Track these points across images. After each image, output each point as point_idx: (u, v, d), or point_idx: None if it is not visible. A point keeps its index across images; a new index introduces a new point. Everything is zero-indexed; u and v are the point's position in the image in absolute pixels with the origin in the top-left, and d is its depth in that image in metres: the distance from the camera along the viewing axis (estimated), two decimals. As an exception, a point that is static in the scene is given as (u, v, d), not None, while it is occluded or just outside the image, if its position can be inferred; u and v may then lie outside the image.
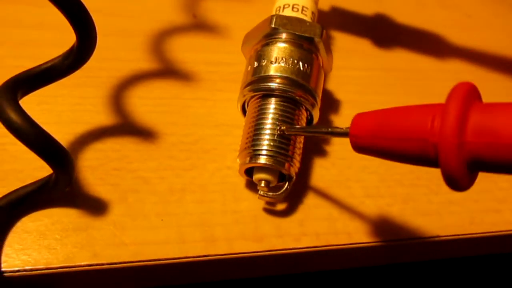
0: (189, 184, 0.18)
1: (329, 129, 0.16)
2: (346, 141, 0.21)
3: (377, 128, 0.13)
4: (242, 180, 0.19)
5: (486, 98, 0.25)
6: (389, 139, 0.13)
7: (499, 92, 0.26)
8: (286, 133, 0.17)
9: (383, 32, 0.27)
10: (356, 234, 0.18)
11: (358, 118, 0.14)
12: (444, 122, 0.12)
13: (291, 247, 0.17)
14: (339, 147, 0.21)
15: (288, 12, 0.20)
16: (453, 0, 0.30)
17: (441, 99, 0.24)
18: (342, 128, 0.15)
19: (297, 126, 0.18)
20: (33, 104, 0.16)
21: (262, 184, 0.17)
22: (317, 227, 0.18)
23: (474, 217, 0.20)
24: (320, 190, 0.19)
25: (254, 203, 0.18)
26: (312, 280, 0.28)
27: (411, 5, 0.29)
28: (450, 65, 0.27)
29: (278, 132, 0.17)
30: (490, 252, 0.22)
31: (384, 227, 0.19)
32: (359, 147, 0.14)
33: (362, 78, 0.24)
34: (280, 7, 0.20)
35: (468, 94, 0.12)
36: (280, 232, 0.18)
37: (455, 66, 0.27)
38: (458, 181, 0.12)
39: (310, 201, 0.19)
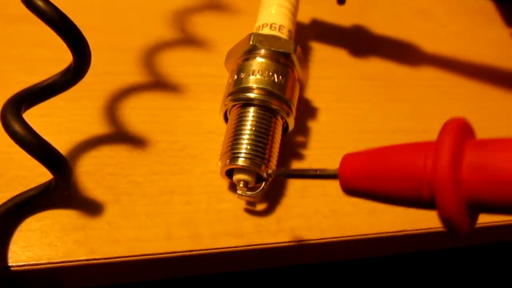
0: (177, 187, 0.20)
1: (317, 172, 0.15)
2: (323, 145, 0.23)
3: (368, 168, 0.13)
4: (225, 183, 0.20)
5: (458, 102, 0.27)
6: (381, 179, 0.12)
7: (470, 97, 0.28)
8: (274, 176, 0.18)
9: (360, 42, 0.28)
10: (328, 230, 0.20)
11: (347, 159, 0.14)
12: (438, 159, 0.11)
13: (268, 242, 0.19)
14: (315, 151, 0.23)
15: (266, 31, 0.22)
16: (428, 11, 0.32)
17: (416, 105, 0.26)
18: (331, 170, 0.14)
19: (283, 169, 0.18)
20: (36, 116, 0.17)
21: (241, 185, 0.19)
22: (293, 224, 0.20)
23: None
24: (297, 190, 0.21)
25: (236, 203, 0.20)
26: (293, 274, 0.29)
27: (388, 16, 0.30)
28: (425, 73, 0.28)
29: (267, 175, 0.18)
30: (457, 246, 0.24)
31: (355, 223, 0.21)
32: (349, 189, 0.14)
33: (340, 87, 0.26)
34: (259, 26, 0.22)
35: (461, 130, 0.12)
36: (259, 229, 0.20)
37: (430, 74, 0.28)
38: (456, 222, 0.11)
39: (287, 201, 0.21)
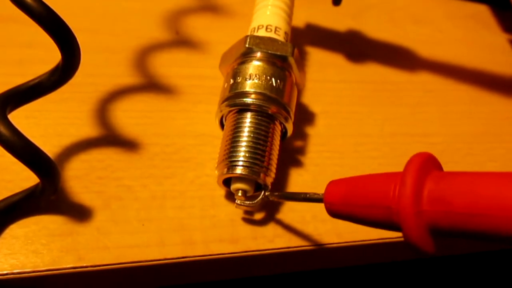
0: (169, 191, 0.19)
1: (307, 195, 0.17)
2: (321, 149, 0.23)
3: (347, 195, 0.14)
4: (219, 187, 0.20)
5: (455, 107, 0.27)
6: (358, 206, 0.14)
7: (467, 102, 0.27)
8: (270, 199, 0.18)
9: (357, 46, 0.28)
10: (326, 236, 0.19)
11: (331, 186, 0.15)
12: (401, 192, 0.12)
13: (265, 248, 0.19)
14: (314, 155, 0.22)
15: (262, 33, 0.21)
16: (425, 16, 0.32)
17: (413, 109, 0.26)
18: (318, 194, 0.16)
19: (276, 193, 0.18)
20: (21, 118, 0.17)
21: (239, 194, 0.18)
22: (290, 229, 0.19)
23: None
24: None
25: (232, 208, 0.19)
26: (291, 281, 0.29)
27: (384, 20, 0.30)
28: (420, 77, 0.28)
29: (264, 196, 0.18)
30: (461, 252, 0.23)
31: (353, 229, 0.20)
32: (333, 213, 0.15)
33: (337, 90, 0.26)
34: (255, 28, 0.22)
35: (424, 164, 0.13)
36: (255, 235, 0.19)
37: (427, 79, 0.28)
38: (419, 246, 0.13)
39: (285, 206, 0.20)
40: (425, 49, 0.29)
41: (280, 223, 0.20)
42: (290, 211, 0.20)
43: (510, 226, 0.11)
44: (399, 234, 0.20)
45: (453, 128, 0.26)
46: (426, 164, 0.13)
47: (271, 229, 0.19)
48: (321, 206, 0.20)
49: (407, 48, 0.29)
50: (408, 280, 0.33)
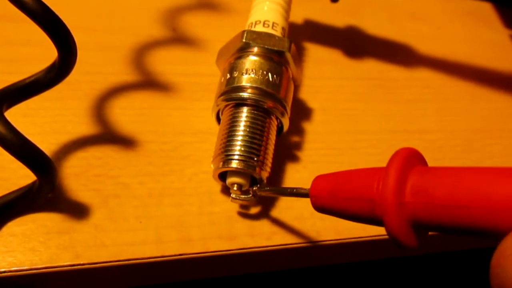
0: (167, 189, 0.19)
1: (294, 190, 0.17)
2: (318, 146, 0.23)
3: (333, 189, 0.14)
4: (217, 184, 0.20)
5: (453, 103, 0.27)
6: (343, 199, 0.14)
7: (466, 98, 0.27)
8: (258, 193, 0.18)
9: (355, 42, 0.28)
10: (324, 232, 0.19)
11: (317, 180, 0.15)
12: (384, 184, 0.13)
13: (262, 245, 0.19)
14: (311, 152, 0.22)
15: (259, 28, 0.21)
16: (423, 12, 0.32)
17: (411, 105, 0.26)
18: (304, 189, 0.16)
19: (267, 188, 0.18)
20: (18, 116, 0.17)
21: (235, 188, 0.18)
22: (288, 226, 0.19)
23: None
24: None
25: (229, 205, 0.19)
26: (288, 278, 0.29)
27: (383, 17, 0.30)
28: (419, 73, 0.28)
29: (252, 192, 0.18)
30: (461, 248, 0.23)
31: (351, 225, 0.20)
32: (318, 207, 0.15)
33: (335, 87, 0.26)
34: (252, 23, 0.22)
35: (408, 158, 0.13)
36: (253, 232, 0.19)
37: (425, 75, 0.28)
38: (401, 239, 0.13)
39: (282, 203, 0.20)
40: (423, 46, 0.29)
41: (278, 220, 0.20)
42: (288, 208, 0.20)
43: (490, 218, 0.11)
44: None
45: (451, 124, 0.26)
46: (411, 159, 0.13)
47: (269, 226, 0.19)
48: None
49: (405, 45, 0.29)
50: (406, 276, 0.33)
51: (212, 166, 0.19)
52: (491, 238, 0.11)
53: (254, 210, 0.20)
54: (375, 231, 0.20)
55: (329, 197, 0.15)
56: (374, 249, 0.21)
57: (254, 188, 0.18)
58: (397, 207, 0.12)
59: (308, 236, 0.19)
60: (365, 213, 0.13)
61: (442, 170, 0.12)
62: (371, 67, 0.27)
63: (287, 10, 0.23)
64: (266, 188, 0.18)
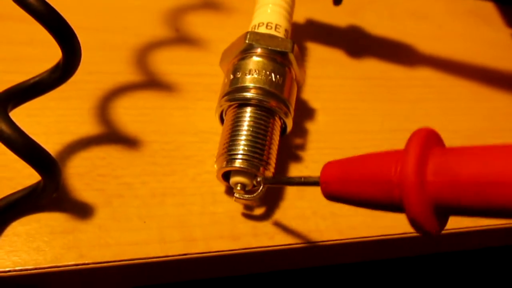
0: (170, 188, 0.19)
1: (302, 179, 0.16)
2: (321, 145, 0.23)
3: (345, 173, 0.14)
4: (220, 184, 0.20)
5: (455, 102, 0.27)
6: (356, 184, 0.13)
7: (468, 98, 0.27)
8: (263, 184, 0.18)
9: (357, 42, 0.28)
10: (327, 232, 0.20)
11: (328, 166, 0.15)
12: (404, 162, 0.12)
13: (265, 245, 0.19)
14: (313, 151, 0.22)
15: (262, 30, 0.21)
16: (425, 11, 0.32)
17: (413, 105, 0.26)
18: (313, 177, 0.15)
19: (272, 177, 0.18)
20: (23, 116, 0.17)
21: (238, 187, 0.18)
22: (290, 226, 0.19)
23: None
24: (294, 191, 0.21)
25: (232, 205, 0.19)
26: (291, 278, 0.29)
27: (385, 16, 0.30)
28: (421, 73, 0.28)
29: (257, 182, 0.18)
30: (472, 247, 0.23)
31: (354, 225, 0.20)
32: (329, 194, 0.14)
33: (337, 87, 0.26)
34: (255, 25, 0.22)
35: (428, 137, 0.12)
36: (255, 231, 0.19)
37: (427, 74, 0.28)
38: (422, 223, 0.12)
39: (285, 202, 0.20)
40: (425, 45, 0.29)
41: (281, 220, 0.20)
42: (290, 208, 0.20)
43: None
44: (401, 230, 0.20)
45: (453, 124, 0.26)
46: (431, 138, 0.12)
47: (272, 226, 0.19)
48: (321, 203, 0.20)
49: (407, 44, 0.29)
50: (409, 277, 0.33)
51: (215, 166, 0.19)
52: None
53: (257, 209, 0.20)
54: (379, 231, 0.20)
55: (341, 182, 0.14)
56: (377, 249, 0.21)
57: (259, 179, 0.18)
58: (418, 187, 0.11)
59: (311, 236, 0.19)
60: (382, 197, 0.12)
61: (466, 148, 0.12)
62: (373, 67, 0.27)
63: (290, 13, 0.23)
64: (271, 178, 0.17)
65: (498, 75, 0.29)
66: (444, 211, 0.12)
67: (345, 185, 0.14)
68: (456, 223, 0.21)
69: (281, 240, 0.19)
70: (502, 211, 0.11)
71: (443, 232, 0.21)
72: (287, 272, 0.22)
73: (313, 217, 0.20)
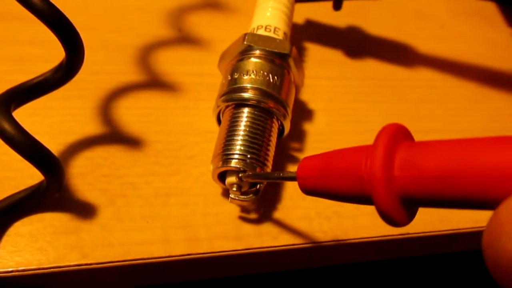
0: (173, 188, 0.19)
1: (281, 174, 0.16)
2: (321, 146, 0.23)
3: (320, 169, 0.14)
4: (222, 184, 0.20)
5: (457, 103, 0.27)
6: (331, 179, 0.14)
7: (470, 98, 0.27)
8: (244, 179, 0.18)
9: (358, 42, 0.28)
10: (330, 232, 0.19)
11: (304, 161, 0.15)
12: (372, 159, 0.12)
13: (269, 245, 0.19)
14: (315, 151, 0.22)
15: (261, 32, 0.21)
16: (427, 11, 0.32)
17: (415, 105, 0.26)
18: (291, 172, 0.16)
19: (251, 174, 0.18)
20: (26, 115, 0.17)
21: (234, 188, 0.18)
22: (294, 226, 0.19)
23: (443, 216, 0.21)
24: (297, 191, 0.20)
25: (235, 205, 0.19)
26: (295, 278, 0.29)
27: (386, 16, 0.30)
28: (424, 73, 0.28)
29: (238, 178, 0.18)
30: (459, 249, 0.23)
31: (358, 225, 0.20)
32: (306, 189, 0.15)
33: (338, 87, 0.25)
34: (254, 28, 0.22)
35: (395, 133, 0.13)
36: (259, 232, 0.19)
37: (429, 75, 0.28)
38: (390, 215, 0.12)
39: (288, 203, 0.20)
40: (427, 45, 0.29)
41: (284, 220, 0.20)
42: (294, 208, 0.20)
43: (484, 187, 0.11)
44: (403, 231, 0.20)
45: (455, 124, 0.26)
46: (398, 134, 0.13)
47: (275, 226, 0.19)
48: (325, 203, 0.20)
49: (409, 44, 0.29)
50: (413, 277, 0.33)
51: (211, 166, 0.19)
52: (483, 208, 0.11)
53: (260, 209, 0.20)
54: (383, 231, 0.20)
55: (317, 178, 0.14)
56: (381, 249, 0.21)
57: (240, 175, 0.18)
58: (385, 182, 0.12)
59: (314, 236, 0.19)
60: (354, 191, 0.13)
61: (431, 143, 0.12)
62: (374, 67, 0.27)
63: (290, 16, 0.23)
64: (251, 174, 0.18)
65: (500, 75, 0.29)
66: (412, 203, 0.12)
67: (321, 180, 0.14)
68: (456, 224, 0.21)
69: (284, 240, 0.19)
70: (466, 202, 0.11)
71: (445, 232, 0.21)
72: (290, 272, 0.22)
73: (317, 217, 0.20)
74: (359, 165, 0.13)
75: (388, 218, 0.12)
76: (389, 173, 0.12)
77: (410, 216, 0.13)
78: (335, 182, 0.14)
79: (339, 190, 0.14)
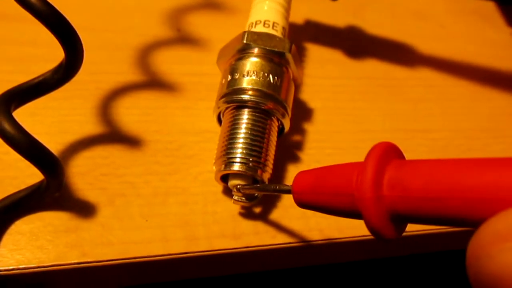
0: (172, 188, 0.20)
1: (277, 187, 0.17)
2: (322, 145, 0.23)
3: (314, 184, 0.15)
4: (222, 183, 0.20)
5: (456, 102, 0.27)
6: (324, 194, 0.14)
7: (469, 97, 0.27)
8: (242, 191, 0.18)
9: (358, 41, 0.28)
10: (327, 231, 0.20)
11: (299, 176, 0.16)
12: (361, 178, 0.13)
13: (267, 243, 0.19)
14: (315, 151, 0.22)
15: (259, 28, 0.21)
16: (427, 11, 0.32)
17: (414, 105, 0.26)
18: (287, 185, 0.16)
19: (248, 186, 0.18)
20: (26, 115, 0.17)
21: (237, 190, 0.18)
22: (292, 225, 0.20)
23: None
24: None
25: (233, 204, 0.20)
26: (292, 276, 0.29)
27: (385, 15, 0.30)
28: (423, 73, 0.28)
29: (236, 189, 0.18)
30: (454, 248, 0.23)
31: (355, 224, 0.20)
32: (300, 203, 0.15)
33: (337, 86, 0.26)
34: (252, 23, 0.22)
35: (385, 152, 0.13)
36: (257, 230, 0.19)
37: (428, 74, 0.28)
38: (380, 232, 0.13)
39: (286, 202, 0.20)
40: (426, 45, 0.29)
41: (282, 219, 0.20)
42: (291, 207, 0.20)
43: (464, 209, 0.11)
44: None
45: (454, 124, 0.26)
46: (388, 153, 0.13)
47: (273, 225, 0.19)
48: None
49: (408, 44, 0.29)
50: (409, 275, 0.33)
51: (214, 168, 0.19)
52: (468, 227, 0.11)
53: (258, 208, 0.20)
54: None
55: (310, 193, 0.15)
56: (378, 248, 0.21)
57: (239, 186, 0.18)
58: (374, 201, 0.13)
59: (312, 235, 0.19)
60: (346, 207, 0.14)
61: (418, 163, 0.13)
62: (374, 67, 0.27)
63: (287, 9, 0.23)
64: (248, 187, 0.18)
65: (499, 75, 0.29)
66: (400, 220, 0.13)
67: (314, 196, 0.15)
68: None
69: (282, 239, 0.19)
70: (451, 221, 0.12)
71: (445, 230, 0.21)
72: (288, 270, 0.22)
73: (314, 216, 0.20)
74: (350, 183, 0.13)
75: (377, 234, 0.13)
76: (378, 193, 0.13)
77: (399, 231, 0.13)
78: (328, 198, 0.14)
79: (331, 206, 0.14)
